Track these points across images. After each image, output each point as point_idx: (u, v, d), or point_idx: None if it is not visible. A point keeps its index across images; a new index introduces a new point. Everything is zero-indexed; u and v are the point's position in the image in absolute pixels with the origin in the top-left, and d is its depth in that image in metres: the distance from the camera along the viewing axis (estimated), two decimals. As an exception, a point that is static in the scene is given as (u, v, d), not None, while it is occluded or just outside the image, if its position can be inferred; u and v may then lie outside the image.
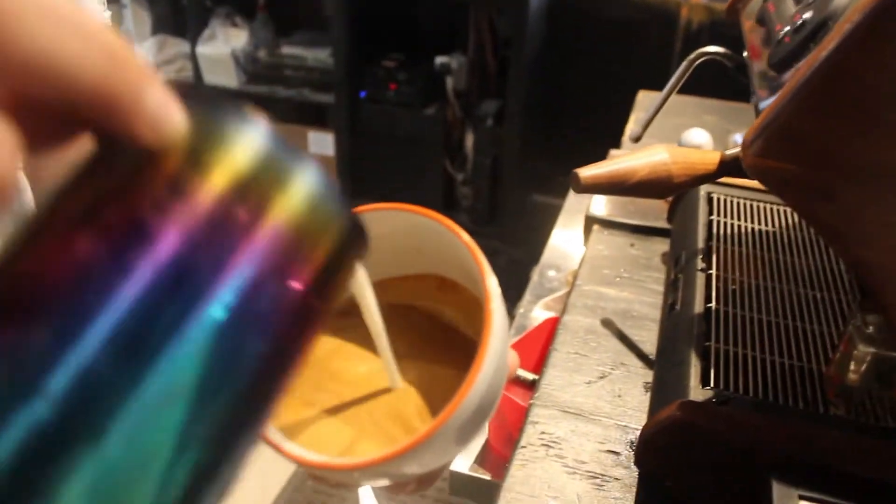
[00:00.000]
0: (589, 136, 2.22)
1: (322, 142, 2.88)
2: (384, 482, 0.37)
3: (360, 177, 2.88)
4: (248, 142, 0.23)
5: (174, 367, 0.21)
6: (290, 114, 2.92)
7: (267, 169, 0.23)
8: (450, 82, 2.67)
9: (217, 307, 0.22)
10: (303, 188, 0.24)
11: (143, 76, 0.22)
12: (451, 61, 2.64)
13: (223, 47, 2.81)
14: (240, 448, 0.24)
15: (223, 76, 2.85)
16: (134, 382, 0.20)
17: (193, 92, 0.23)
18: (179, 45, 2.96)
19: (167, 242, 0.21)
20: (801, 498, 0.43)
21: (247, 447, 0.24)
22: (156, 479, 0.21)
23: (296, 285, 0.24)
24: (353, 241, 0.27)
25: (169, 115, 0.22)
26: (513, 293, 1.26)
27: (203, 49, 2.82)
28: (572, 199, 1.33)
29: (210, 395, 0.22)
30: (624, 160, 0.53)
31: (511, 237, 2.72)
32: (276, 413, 0.26)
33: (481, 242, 0.38)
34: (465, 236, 0.37)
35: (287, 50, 2.84)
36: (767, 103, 0.45)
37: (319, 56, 2.79)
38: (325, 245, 0.25)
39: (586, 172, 0.52)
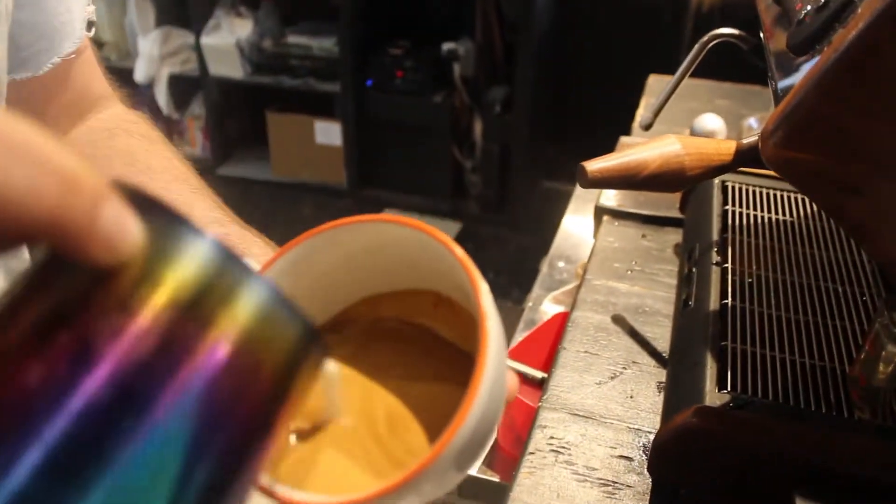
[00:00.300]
0: (599, 120, 2.19)
1: (329, 131, 2.86)
2: None
3: (367, 166, 2.85)
4: (198, 258, 0.23)
5: (123, 481, 0.21)
6: (297, 104, 2.90)
7: (217, 286, 0.23)
8: (457, 69, 2.64)
9: (166, 427, 0.22)
10: (253, 302, 0.24)
11: (98, 197, 0.21)
12: (458, 48, 2.60)
13: (228, 38, 2.78)
14: None
15: (228, 67, 2.83)
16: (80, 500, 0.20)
17: (147, 201, 0.23)
18: (184, 37, 2.93)
19: (112, 364, 0.21)
20: (828, 514, 0.40)
21: None
22: None
23: (249, 397, 0.24)
24: (309, 346, 0.27)
25: (123, 235, 0.22)
26: (523, 282, 1.24)
27: (208, 40, 2.79)
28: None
29: None
30: (634, 152, 0.50)
31: (521, 224, 2.69)
32: None
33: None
34: (459, 251, 0.34)
35: (292, 39, 2.81)
36: (786, 85, 0.42)
37: (325, 45, 2.76)
38: (276, 356, 0.25)
39: (594, 166, 0.49)
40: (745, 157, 0.51)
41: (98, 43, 3.00)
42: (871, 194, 0.36)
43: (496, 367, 0.32)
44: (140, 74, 2.90)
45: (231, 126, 3.11)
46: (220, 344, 0.23)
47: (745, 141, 0.51)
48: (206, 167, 3.05)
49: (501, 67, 2.67)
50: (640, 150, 0.50)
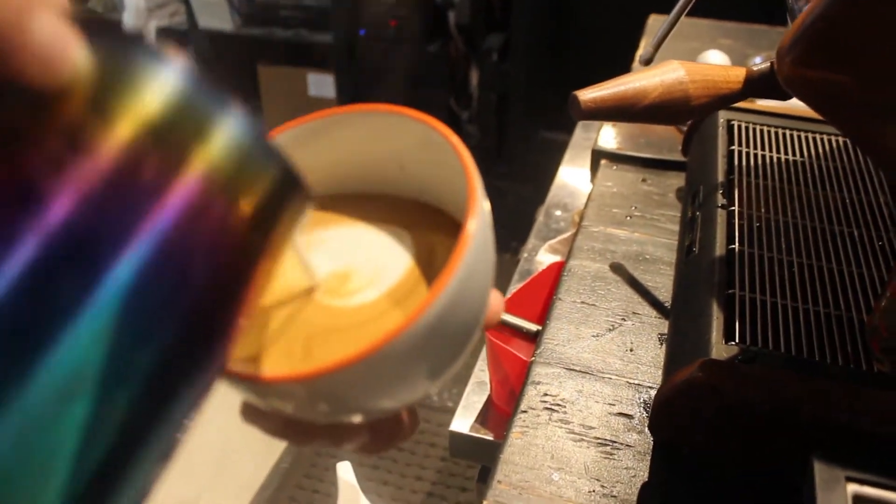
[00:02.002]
0: (599, 67, 2.11)
1: (322, 83, 2.79)
2: (326, 412, 0.30)
3: (362, 118, 2.79)
4: (161, 85, 0.20)
5: (73, 352, 0.18)
6: (289, 56, 2.82)
7: (182, 116, 0.20)
8: (452, 17, 2.56)
9: (124, 275, 0.19)
10: (224, 136, 0.21)
11: (29, 1, 0.18)
12: (453, -6, 2.52)
13: (216, -13, 2.70)
14: (171, 418, 0.21)
15: (218, 19, 2.75)
16: (23, 376, 0.17)
17: (100, 26, 0.20)
18: (172, -13, 2.85)
19: (61, 207, 0.18)
20: (849, 479, 0.36)
21: (184, 410, 0.22)
22: (61, 476, 0.18)
23: (219, 247, 0.21)
24: (287, 193, 0.23)
25: (63, 50, 0.18)
26: (521, 234, 1.19)
27: (195, -10, 2.71)
28: (580, 132, 1.25)
29: (120, 377, 0.19)
30: (632, 79, 0.45)
31: (520, 175, 2.64)
32: (218, 373, 0.23)
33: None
34: (455, 138, 0.31)
35: (282, -11, 2.73)
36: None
37: (316, -7, 2.67)
38: (251, 199, 0.22)
39: (587, 95, 0.44)
40: (757, 85, 0.46)
41: (84, -5, 2.92)
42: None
43: (479, 250, 0.28)
44: (127, 27, 2.82)
45: (221, 80, 3.03)
46: (184, 185, 0.20)
47: (755, 67, 0.46)
48: (198, 122, 2.99)
49: (498, 14, 2.59)
50: (639, 76, 0.45)
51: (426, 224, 0.35)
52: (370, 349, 0.26)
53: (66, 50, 0.19)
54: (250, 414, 0.33)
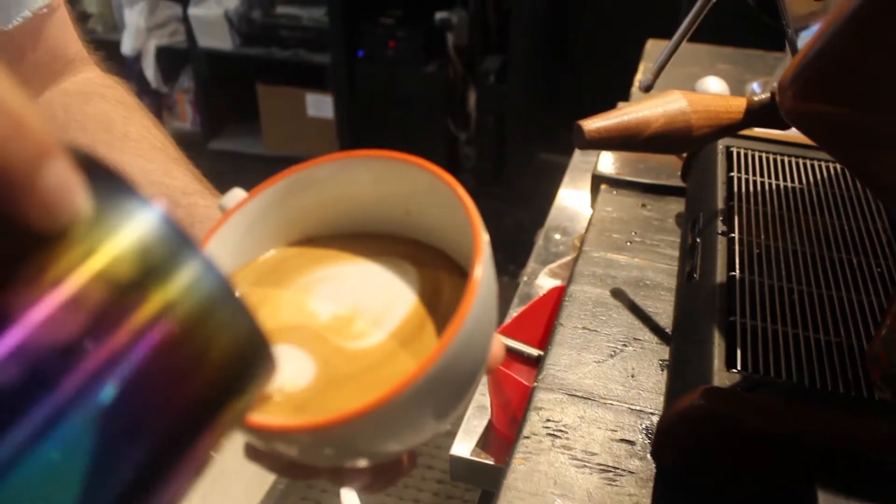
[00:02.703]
0: (596, 89, 2.13)
1: (320, 104, 2.80)
2: (332, 456, 0.30)
3: (359, 139, 2.80)
4: (143, 234, 0.21)
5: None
6: (287, 76, 2.84)
7: (160, 265, 0.21)
8: (450, 38, 2.58)
9: (77, 420, 0.19)
10: (196, 286, 0.21)
11: (45, 149, 0.19)
12: (451, 16, 2.54)
13: (216, 8, 2.72)
14: None
15: (217, 39, 2.77)
16: None
17: (98, 169, 0.21)
18: (171, 8, 2.87)
19: (23, 338, 0.18)
20: (852, 508, 0.36)
21: None
22: None
23: (178, 397, 0.21)
24: (253, 349, 0.23)
25: (67, 199, 0.19)
26: (519, 257, 1.20)
27: (196, 11, 2.73)
28: (579, 155, 1.26)
29: None
30: (635, 110, 0.45)
31: (517, 198, 2.65)
32: None
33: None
34: (461, 189, 0.32)
35: (282, 10, 2.75)
36: (808, 35, 0.37)
37: (315, 15, 2.69)
38: (217, 355, 0.22)
39: (592, 125, 0.45)
40: (757, 115, 0.46)
41: (83, 14, 2.94)
42: (903, 149, 0.32)
43: (486, 300, 0.29)
44: (127, 47, 2.83)
45: (221, 99, 3.04)
46: (152, 330, 0.20)
47: (756, 97, 0.47)
48: (196, 142, 2.99)
49: (495, 36, 2.61)
50: (642, 107, 0.45)
51: (430, 261, 0.36)
52: (380, 400, 0.26)
53: (71, 198, 0.20)
54: (253, 453, 0.33)
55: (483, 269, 0.29)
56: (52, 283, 0.19)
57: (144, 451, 0.20)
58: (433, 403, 0.29)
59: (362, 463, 0.32)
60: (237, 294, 0.22)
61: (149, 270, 0.21)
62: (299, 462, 0.32)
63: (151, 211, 0.21)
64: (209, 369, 0.22)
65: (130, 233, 0.21)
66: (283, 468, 0.33)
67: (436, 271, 0.35)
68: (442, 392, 0.29)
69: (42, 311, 0.19)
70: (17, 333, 0.18)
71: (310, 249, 0.38)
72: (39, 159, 0.19)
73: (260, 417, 0.29)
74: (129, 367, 0.20)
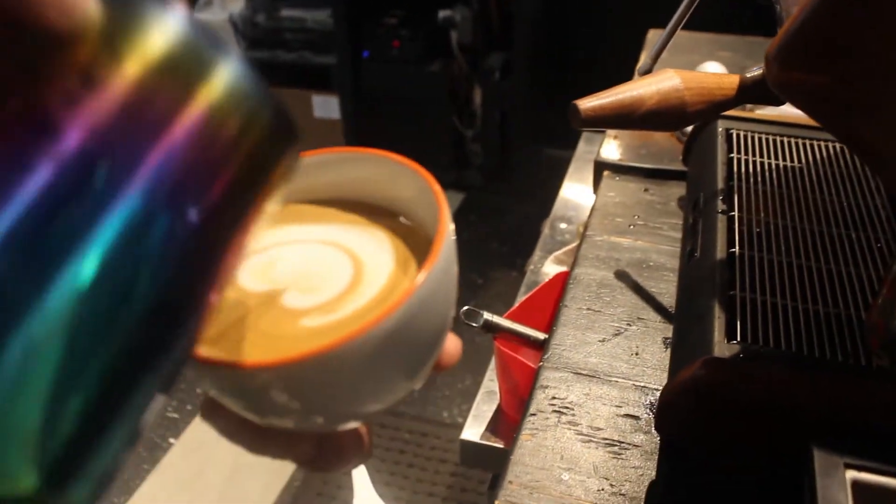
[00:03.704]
0: (600, 83, 2.12)
1: (327, 105, 2.82)
2: (283, 408, 0.31)
3: (366, 139, 2.81)
4: (166, 29, 0.22)
5: (75, 276, 0.19)
6: (293, 78, 2.86)
7: (184, 58, 0.22)
8: (454, 36, 2.59)
9: (133, 204, 0.20)
10: (223, 78, 0.23)
11: None
12: (455, 14, 2.55)
13: (220, 13, 2.74)
14: (156, 375, 0.22)
15: (223, 43, 2.78)
16: (36, 287, 0.18)
17: None
18: (177, 13, 2.88)
19: (75, 137, 0.19)
20: (847, 466, 0.37)
21: (168, 373, 0.23)
22: (40, 408, 0.19)
23: (220, 181, 0.23)
24: (282, 134, 0.25)
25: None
26: (527, 251, 1.20)
27: (200, 16, 2.75)
28: (583, 146, 1.27)
29: (115, 308, 0.20)
30: (630, 88, 0.46)
31: (524, 193, 2.65)
32: (201, 332, 0.24)
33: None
34: (425, 171, 0.35)
35: (286, 12, 2.77)
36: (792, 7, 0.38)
37: (319, 17, 2.71)
38: (250, 138, 0.24)
39: (587, 104, 0.46)
40: (750, 92, 0.47)
41: (90, 23, 2.96)
42: (885, 111, 0.32)
43: (448, 260, 0.32)
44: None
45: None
46: (187, 121, 0.22)
47: (749, 74, 0.48)
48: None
49: (499, 33, 2.62)
50: (636, 85, 0.46)
51: (404, 233, 0.37)
52: (335, 343, 0.28)
53: None
54: (209, 411, 0.34)
55: (445, 240, 0.31)
56: (85, 82, 0.20)
57: (190, 234, 0.22)
58: (386, 358, 0.30)
59: (316, 421, 0.33)
60: (263, 84, 0.24)
61: (176, 64, 0.22)
62: (249, 419, 0.32)
63: (170, 11, 0.22)
64: (244, 150, 0.23)
65: (153, 29, 0.21)
66: (235, 431, 0.33)
67: (408, 244, 0.37)
68: (389, 353, 0.30)
69: (84, 109, 0.20)
70: (70, 131, 0.19)
71: (304, 206, 0.40)
72: None
73: (213, 353, 0.30)
74: (175, 152, 0.21)
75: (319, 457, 0.36)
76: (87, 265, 0.19)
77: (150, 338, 0.21)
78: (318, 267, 0.35)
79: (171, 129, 0.21)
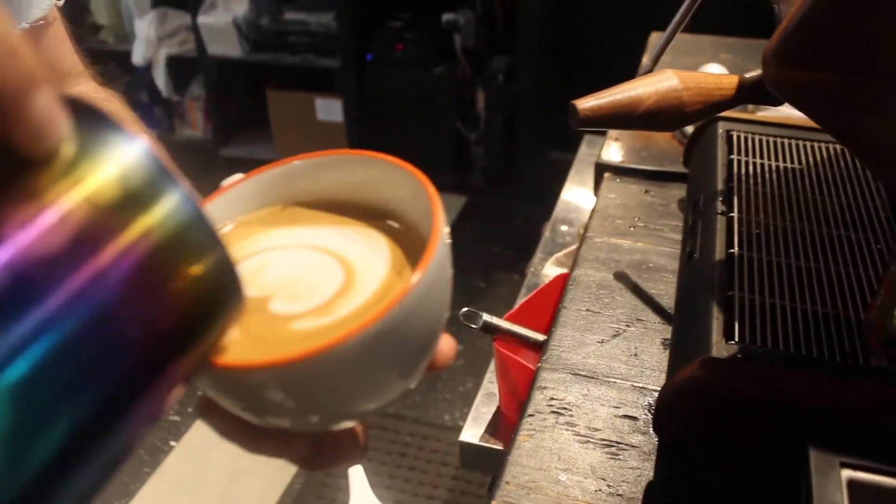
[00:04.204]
0: (604, 86, 2.13)
1: (330, 108, 2.82)
2: (280, 407, 0.32)
3: (369, 142, 2.82)
4: (125, 163, 0.22)
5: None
6: (296, 81, 2.86)
7: (141, 193, 0.22)
8: (458, 40, 2.59)
9: (57, 327, 0.20)
10: (173, 215, 0.23)
11: (33, 77, 0.20)
12: (459, 18, 2.56)
13: (225, 16, 2.74)
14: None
15: (226, 46, 2.79)
16: None
17: (82, 106, 0.23)
18: (181, 17, 2.89)
19: (12, 252, 0.20)
20: (843, 465, 0.37)
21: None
22: None
23: (153, 320, 0.22)
24: (224, 284, 0.25)
25: (52, 125, 0.21)
26: (530, 255, 1.21)
27: (205, 19, 2.76)
28: (585, 149, 1.27)
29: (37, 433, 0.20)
30: (628, 88, 0.46)
31: (528, 196, 2.65)
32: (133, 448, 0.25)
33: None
34: (421, 174, 0.35)
35: (290, 15, 2.77)
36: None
37: (323, 20, 2.71)
38: (189, 283, 0.23)
39: (586, 104, 0.46)
40: (748, 92, 0.47)
41: (94, 26, 2.97)
42: (882, 109, 0.32)
43: (442, 259, 0.32)
44: (138, 57, 2.86)
45: (231, 106, 3.07)
46: (131, 253, 0.22)
47: (748, 74, 0.48)
48: (208, 149, 3.02)
49: (503, 36, 2.62)
50: (634, 85, 0.46)
51: (399, 236, 0.37)
52: (333, 341, 0.28)
53: (56, 125, 0.21)
54: (205, 410, 0.34)
55: (438, 242, 0.32)
56: (40, 204, 0.20)
57: (116, 371, 0.22)
58: (380, 358, 0.31)
59: (312, 420, 0.33)
60: (212, 225, 0.24)
61: (130, 196, 0.22)
62: (247, 418, 0.32)
63: (135, 143, 0.22)
64: (181, 292, 0.23)
65: (114, 161, 0.22)
66: (231, 430, 0.33)
67: (403, 245, 0.37)
68: (388, 350, 0.31)
69: (31, 229, 0.20)
70: (8, 249, 0.20)
71: (297, 209, 0.40)
72: (29, 86, 0.20)
73: (224, 355, 0.30)
74: (109, 284, 0.21)
75: (316, 455, 0.36)
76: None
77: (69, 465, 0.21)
78: (309, 272, 0.35)
79: (113, 261, 0.21)
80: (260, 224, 0.39)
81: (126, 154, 0.22)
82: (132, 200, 0.22)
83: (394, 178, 0.37)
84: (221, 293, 0.25)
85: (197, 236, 0.24)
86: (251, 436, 0.34)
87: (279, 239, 0.37)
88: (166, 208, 0.23)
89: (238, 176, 0.40)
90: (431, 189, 0.35)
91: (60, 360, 0.20)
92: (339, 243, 0.37)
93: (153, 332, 0.22)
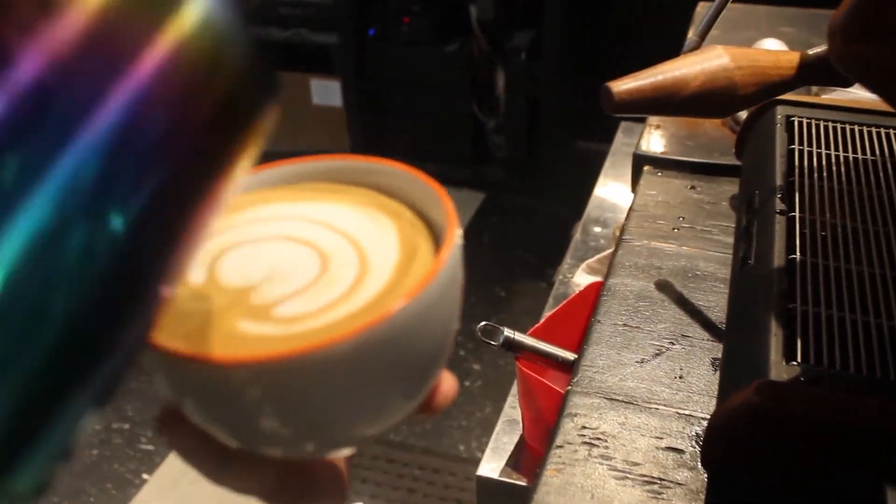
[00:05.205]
0: (643, 65, 2.12)
1: (326, 91, 2.83)
2: (255, 408, 0.31)
3: (373, 130, 2.82)
4: None
5: (28, 220, 0.20)
6: (288, 59, 2.87)
7: None
8: (473, 12, 2.60)
9: (86, 147, 0.21)
10: (198, 13, 0.23)
11: None
12: (474, -14, 2.56)
13: (206, -15, 2.76)
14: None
15: (207, 19, 2.80)
16: None
17: None
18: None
19: (30, 68, 0.20)
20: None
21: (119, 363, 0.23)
22: None
23: (187, 128, 0.23)
24: (260, 85, 0.26)
25: None
26: (556, 260, 1.21)
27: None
28: (621, 138, 1.27)
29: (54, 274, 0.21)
30: (671, 68, 0.46)
31: (554, 192, 2.65)
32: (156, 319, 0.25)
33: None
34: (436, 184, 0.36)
35: (281, -16, 2.79)
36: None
37: (318, -11, 2.73)
38: (222, 81, 0.24)
39: (622, 86, 0.46)
40: (812, 70, 0.47)
41: None
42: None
43: (454, 263, 0.32)
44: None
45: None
46: (154, 58, 0.22)
47: (811, 51, 0.47)
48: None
49: (526, 7, 2.62)
50: (678, 64, 0.46)
51: (412, 223, 0.38)
52: (322, 344, 0.28)
53: None
54: (166, 422, 0.33)
55: (450, 250, 0.32)
56: (48, 9, 0.21)
57: (158, 179, 0.22)
58: (378, 370, 0.31)
59: (293, 440, 0.33)
60: (247, 28, 0.25)
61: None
62: (212, 436, 0.32)
63: None
64: (215, 93, 0.24)
65: None
66: (193, 448, 0.33)
67: (415, 233, 0.37)
68: (388, 361, 0.31)
69: (43, 38, 0.20)
70: (26, 61, 0.20)
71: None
72: None
73: (183, 345, 0.30)
74: (140, 89, 0.22)
75: (284, 488, 0.35)
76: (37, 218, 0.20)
77: (74, 355, 0.22)
78: (310, 259, 0.35)
79: (137, 65, 0.22)
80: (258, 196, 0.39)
81: None
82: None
83: (403, 183, 0.39)
84: (258, 94, 0.26)
85: (230, 33, 0.24)
86: (214, 459, 0.34)
87: (285, 211, 0.38)
88: (191, 7, 0.23)
89: None
90: (443, 192, 0.36)
91: (96, 174, 0.21)
92: (345, 223, 0.37)
93: (191, 132, 0.23)
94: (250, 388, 0.30)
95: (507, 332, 0.71)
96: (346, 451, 0.36)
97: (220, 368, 0.29)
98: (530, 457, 0.77)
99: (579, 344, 0.79)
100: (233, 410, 0.31)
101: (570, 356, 0.75)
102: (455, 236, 0.33)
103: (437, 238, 0.36)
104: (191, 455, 0.34)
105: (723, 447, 0.49)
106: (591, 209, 1.14)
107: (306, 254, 0.35)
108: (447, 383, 0.37)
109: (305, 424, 0.32)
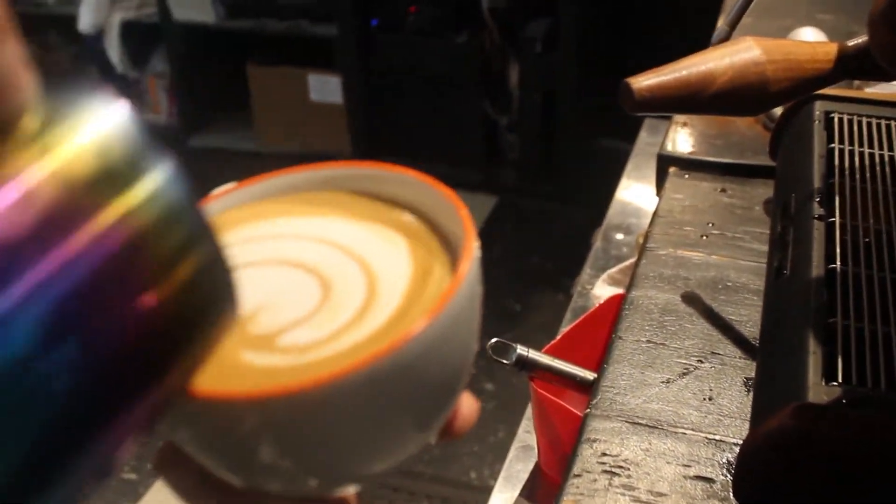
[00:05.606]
0: (667, 58, 2.11)
1: (326, 87, 2.84)
2: (259, 447, 0.31)
3: (376, 129, 2.83)
4: (101, 131, 0.23)
5: None
6: (285, 53, 2.89)
7: (117, 168, 0.23)
8: (485, 0, 2.60)
9: (24, 320, 0.21)
10: (158, 197, 0.23)
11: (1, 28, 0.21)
12: (486, -28, 2.57)
13: (195, -28, 2.78)
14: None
15: (197, 10, 2.82)
16: None
17: (49, 59, 0.21)
18: (140, -27, 2.93)
19: None
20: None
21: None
22: None
23: (127, 323, 0.23)
24: (216, 290, 0.26)
25: (18, 84, 0.22)
26: (574, 268, 1.21)
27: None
28: (645, 137, 1.27)
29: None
30: (697, 62, 0.46)
31: (572, 194, 2.66)
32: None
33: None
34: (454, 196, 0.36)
35: (276, -29, 2.80)
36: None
37: (317, -24, 2.74)
38: (174, 275, 0.24)
39: (643, 82, 0.46)
40: (853, 64, 0.47)
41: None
42: None
43: (471, 286, 0.33)
44: (85, 23, 2.90)
45: (203, 85, 3.10)
46: (107, 236, 0.22)
47: (851, 42, 0.47)
48: (174, 138, 3.05)
49: (541, -5, 2.63)
50: (705, 58, 0.46)
51: (423, 237, 0.38)
52: (329, 377, 0.28)
53: (21, 84, 0.22)
54: (164, 461, 0.34)
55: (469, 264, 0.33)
56: (3, 178, 0.21)
57: (85, 375, 0.22)
58: (392, 398, 0.31)
59: (300, 479, 0.33)
60: (203, 212, 0.24)
61: (107, 171, 0.23)
62: (213, 475, 0.32)
63: (115, 108, 0.23)
64: (163, 290, 0.23)
65: (90, 129, 0.23)
66: (194, 488, 0.34)
67: (428, 251, 0.37)
68: (402, 390, 0.31)
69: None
70: None
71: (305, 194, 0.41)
72: None
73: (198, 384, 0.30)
74: (80, 273, 0.22)
75: None
76: None
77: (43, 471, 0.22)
78: (312, 283, 0.35)
79: (86, 238, 0.22)
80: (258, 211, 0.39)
81: (104, 121, 0.23)
82: (109, 177, 0.22)
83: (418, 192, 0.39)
84: (210, 299, 0.25)
85: (185, 225, 0.24)
86: (214, 498, 0.34)
87: (282, 228, 0.38)
88: (149, 188, 0.23)
89: (232, 185, 0.41)
90: (460, 203, 0.36)
91: (21, 360, 0.21)
92: (352, 239, 0.37)
93: (122, 345, 0.23)
94: (265, 424, 0.30)
95: (520, 349, 0.71)
96: (361, 484, 0.36)
97: (229, 404, 0.29)
98: (546, 486, 0.77)
99: (599, 362, 0.79)
100: (244, 448, 0.31)
101: (590, 375, 0.75)
102: (473, 249, 0.33)
103: (451, 251, 0.37)
104: (188, 494, 0.34)
105: (756, 476, 0.49)
106: (612, 214, 1.14)
107: (307, 277, 0.35)
108: (467, 406, 0.37)
109: (322, 460, 0.33)
